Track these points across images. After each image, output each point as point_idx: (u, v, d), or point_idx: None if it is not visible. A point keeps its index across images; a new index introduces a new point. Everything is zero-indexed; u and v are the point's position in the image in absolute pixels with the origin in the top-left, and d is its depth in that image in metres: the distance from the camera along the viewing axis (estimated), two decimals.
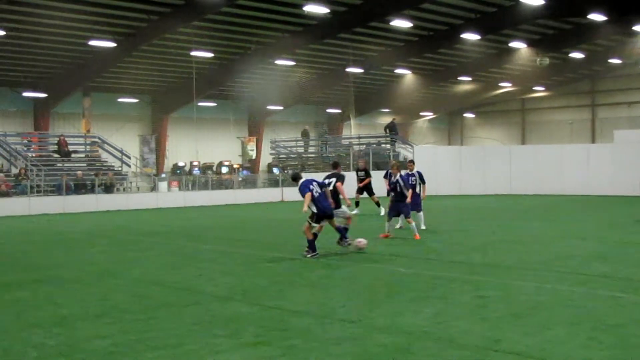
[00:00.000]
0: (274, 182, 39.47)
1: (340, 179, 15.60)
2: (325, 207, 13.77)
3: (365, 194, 24.86)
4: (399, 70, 46.48)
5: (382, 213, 22.37)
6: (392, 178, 16.49)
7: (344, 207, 15.06)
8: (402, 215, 16.79)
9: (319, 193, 13.78)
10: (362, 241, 14.08)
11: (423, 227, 18.13)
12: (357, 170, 25.73)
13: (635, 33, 38.69)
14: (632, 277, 10.94)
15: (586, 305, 8.92)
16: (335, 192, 14.92)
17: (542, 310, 8.54)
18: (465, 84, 52.31)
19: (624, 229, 18.87)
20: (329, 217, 13.96)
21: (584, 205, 29.15)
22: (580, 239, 16.53)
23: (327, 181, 15.03)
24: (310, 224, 13.72)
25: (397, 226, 17.85)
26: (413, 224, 16.19)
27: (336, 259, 13.36)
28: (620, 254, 13.79)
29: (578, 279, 10.87)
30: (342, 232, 14.26)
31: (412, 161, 20.10)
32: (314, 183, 13.95)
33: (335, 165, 16.81)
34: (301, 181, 14.05)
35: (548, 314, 8.33)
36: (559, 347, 6.89)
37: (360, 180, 24.83)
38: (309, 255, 13.50)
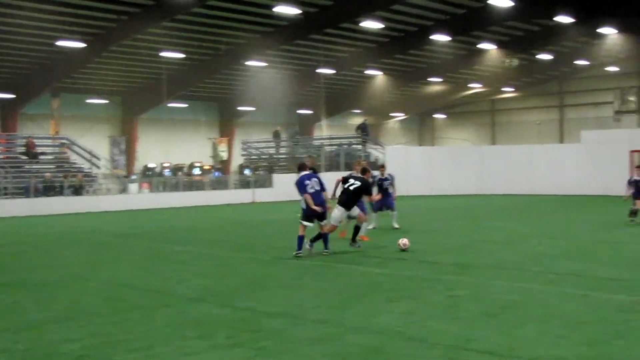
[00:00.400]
0: (245, 183, 39.37)
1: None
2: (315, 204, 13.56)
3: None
4: (369, 71, 46.63)
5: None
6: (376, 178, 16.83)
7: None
8: (376, 215, 17.10)
9: (314, 190, 13.58)
10: (406, 243, 14.14)
11: (396, 227, 18.32)
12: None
13: (600, 35, 39.19)
14: (601, 275, 11.08)
15: (556, 303, 9.01)
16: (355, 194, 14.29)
17: (513, 309, 8.61)
18: (436, 84, 52.61)
19: (592, 228, 19.11)
20: (319, 217, 13.73)
21: (553, 205, 29.45)
22: (550, 238, 16.71)
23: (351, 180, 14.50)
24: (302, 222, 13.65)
25: (370, 227, 17.88)
26: (365, 224, 16.17)
27: (309, 260, 13.35)
28: (589, 253, 13.98)
29: (548, 277, 10.98)
30: (325, 237, 13.80)
31: (383, 165, 20.27)
32: (313, 179, 13.65)
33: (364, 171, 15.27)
34: (301, 174, 13.71)
35: (519, 313, 8.41)
36: (529, 346, 6.95)
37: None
38: (295, 253, 13.49)
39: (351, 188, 14.21)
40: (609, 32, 37.58)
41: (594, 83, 54.05)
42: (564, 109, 57.25)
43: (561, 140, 54.74)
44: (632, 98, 51.98)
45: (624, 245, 15.16)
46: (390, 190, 18.89)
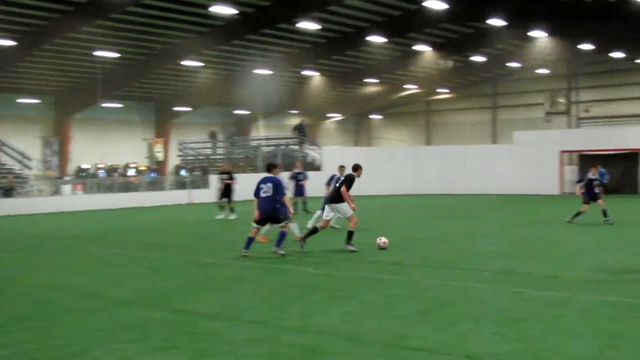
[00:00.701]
0: (181, 184, 38.96)
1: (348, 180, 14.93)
2: (263, 209, 13.55)
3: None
4: (306, 72, 46.72)
5: (233, 217, 23.39)
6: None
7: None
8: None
9: (266, 195, 13.49)
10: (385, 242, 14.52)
11: (337, 226, 18.52)
12: (221, 173, 25.35)
13: (531, 38, 40.13)
14: (533, 272, 11.35)
15: (490, 301, 9.20)
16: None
17: (449, 307, 8.75)
18: (372, 85, 53.02)
19: (525, 227, 19.55)
20: (271, 220, 13.73)
21: (487, 204, 30.02)
22: (484, 236, 17.04)
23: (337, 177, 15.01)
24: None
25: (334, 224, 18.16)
26: (292, 225, 16.30)
27: (246, 261, 13.30)
28: (522, 251, 14.31)
29: (482, 275, 11.19)
30: (281, 238, 13.68)
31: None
32: (268, 183, 13.54)
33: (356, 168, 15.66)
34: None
35: (454, 311, 8.54)
36: (464, 342, 7.08)
37: (224, 183, 24.39)
38: (243, 252, 13.55)
39: (337, 185, 14.81)
40: (539, 35, 38.50)
41: (526, 85, 55.26)
42: (496, 110, 58.37)
43: (494, 141, 55.80)
44: (561, 100, 53.41)
45: (554, 243, 15.56)
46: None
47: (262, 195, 13.55)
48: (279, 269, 12.34)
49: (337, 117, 62.67)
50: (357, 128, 67.76)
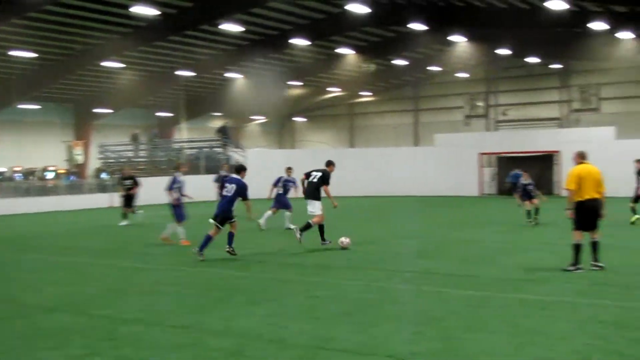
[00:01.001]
0: (102, 188, 38.14)
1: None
2: (218, 207, 13.75)
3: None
4: (230, 74, 46.47)
5: (124, 223, 22.72)
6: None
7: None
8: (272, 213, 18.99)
9: (227, 193, 13.69)
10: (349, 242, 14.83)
11: (292, 227, 18.78)
12: (122, 179, 24.51)
13: (451, 43, 40.98)
14: (453, 272, 11.61)
15: (412, 301, 9.36)
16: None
17: (371, 308, 8.86)
18: (296, 88, 53.14)
19: (446, 227, 19.94)
20: (222, 219, 13.67)
21: (409, 206, 30.48)
22: (406, 238, 17.30)
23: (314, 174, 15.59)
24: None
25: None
26: (179, 228, 16.34)
27: (167, 265, 13.15)
28: (443, 251, 14.60)
29: (404, 276, 11.37)
30: (230, 238, 13.73)
31: (290, 168, 20.65)
32: (232, 185, 13.73)
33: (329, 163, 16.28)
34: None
35: (376, 311, 8.66)
36: (386, 342, 7.19)
37: (126, 189, 23.63)
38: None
39: (314, 180, 15.47)
40: (459, 40, 39.35)
41: (446, 88, 56.33)
42: (418, 113, 59.31)
43: (416, 143, 56.70)
44: (480, 103, 54.70)
45: (474, 243, 15.94)
46: (293, 191, 20.10)
47: (224, 193, 13.75)
48: (201, 272, 12.26)
49: (261, 119, 62.55)
50: (281, 130, 67.79)
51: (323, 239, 15.25)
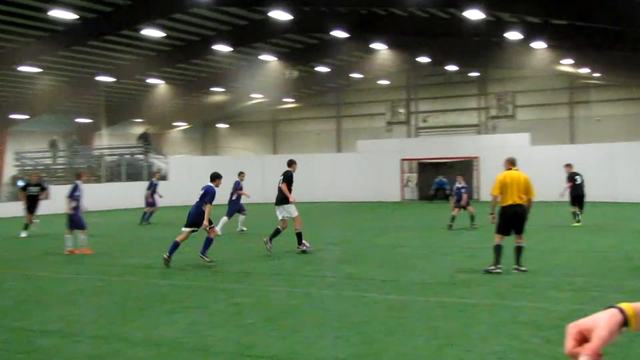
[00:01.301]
0: (18, 196, 36.98)
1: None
2: (190, 212, 14.05)
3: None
4: (151, 80, 45.83)
5: (23, 235, 21.94)
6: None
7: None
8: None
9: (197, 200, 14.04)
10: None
11: (244, 229, 18.73)
12: (28, 186, 23.57)
13: (373, 50, 41.49)
14: (375, 277, 11.74)
15: (334, 306, 9.43)
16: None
17: (294, 314, 8.89)
18: (218, 94, 52.82)
19: (368, 233, 20.15)
20: (194, 224, 13.88)
21: (332, 211, 30.68)
22: (329, 243, 17.40)
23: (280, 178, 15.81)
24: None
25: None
26: (82, 236, 16.15)
27: (86, 274, 12.86)
28: (365, 256, 14.74)
29: (327, 281, 11.44)
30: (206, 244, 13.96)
31: (241, 172, 20.82)
32: (203, 190, 14.23)
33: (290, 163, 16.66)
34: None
35: (299, 317, 8.69)
36: (308, 348, 7.22)
37: (31, 197, 22.72)
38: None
39: (280, 185, 15.78)
40: (380, 47, 39.87)
41: (368, 95, 56.91)
42: (341, 119, 59.75)
43: (339, 150, 57.09)
44: (401, 110, 55.52)
45: (395, 248, 16.16)
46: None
47: (197, 199, 14.12)
48: (122, 281, 12.05)
49: (183, 126, 61.91)
50: (204, 137, 67.22)
51: (300, 243, 15.41)
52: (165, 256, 13.42)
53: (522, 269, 11.77)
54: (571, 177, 21.00)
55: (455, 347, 7.17)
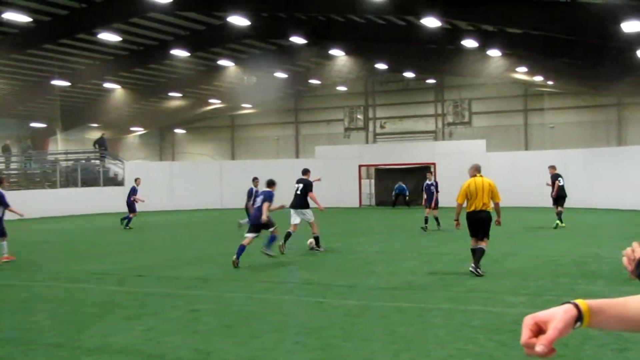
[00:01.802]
0: None
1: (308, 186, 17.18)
2: (255, 216, 14.97)
3: None
4: (108, 85, 45.35)
5: None
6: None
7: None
8: None
9: (257, 205, 14.97)
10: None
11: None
12: None
13: (331, 57, 41.67)
14: (333, 282, 11.79)
15: (292, 311, 9.46)
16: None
17: (252, 320, 8.88)
18: (176, 99, 52.49)
19: (324, 238, 20.17)
20: (260, 227, 14.69)
21: (289, 217, 30.60)
22: (287, 249, 17.38)
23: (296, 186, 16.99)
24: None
25: None
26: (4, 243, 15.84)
27: (41, 281, 12.68)
28: (322, 262, 14.81)
29: (285, 287, 11.47)
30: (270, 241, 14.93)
31: (255, 178, 21.95)
32: (261, 196, 15.04)
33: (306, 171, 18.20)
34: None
35: (257, 323, 8.69)
36: (267, 354, 7.23)
37: None
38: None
39: (298, 192, 16.98)
40: (338, 54, 40.06)
41: (326, 101, 57.09)
42: (299, 125, 59.84)
43: (297, 155, 57.14)
44: (359, 116, 55.84)
45: (353, 253, 16.27)
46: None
47: (257, 205, 14.98)
48: (77, 288, 11.90)
49: (140, 131, 61.37)
50: (161, 142, 66.72)
51: (318, 245, 16.63)
52: (234, 259, 14.00)
53: (479, 271, 12.04)
54: (555, 177, 21.68)
55: (413, 351, 7.24)
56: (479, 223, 12.22)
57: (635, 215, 26.37)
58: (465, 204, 12.35)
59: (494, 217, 12.48)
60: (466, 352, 7.15)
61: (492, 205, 12.36)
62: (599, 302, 1.95)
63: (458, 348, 7.31)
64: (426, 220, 21.06)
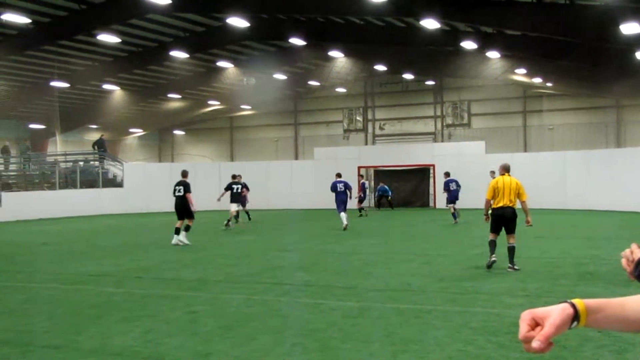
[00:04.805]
0: None
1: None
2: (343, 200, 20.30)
3: None
4: (107, 86, 45.33)
5: None
6: None
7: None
8: None
9: (341, 190, 19.95)
10: None
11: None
12: None
13: (330, 58, 41.68)
14: (331, 284, 11.78)
15: (291, 313, 9.44)
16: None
17: (250, 321, 8.87)
18: (175, 101, 52.47)
19: (323, 240, 20.20)
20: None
21: (289, 219, 30.68)
22: (285, 250, 17.41)
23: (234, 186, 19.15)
24: None
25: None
26: None
27: (39, 282, 12.67)
28: (321, 263, 14.76)
29: (283, 289, 11.45)
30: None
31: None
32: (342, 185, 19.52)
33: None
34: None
35: (256, 325, 8.67)
36: (265, 355, 7.22)
37: None
38: None
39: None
40: (338, 55, 40.07)
41: (326, 103, 57.12)
42: (298, 126, 59.84)
43: (296, 157, 57.13)
44: (358, 118, 55.85)
45: (351, 255, 16.23)
46: None
47: (339, 190, 20.66)
48: (75, 290, 11.88)
49: (140, 132, 61.36)
50: (160, 144, 66.72)
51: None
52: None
53: (516, 268, 12.80)
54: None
55: (411, 353, 7.23)
56: (504, 219, 12.94)
57: (634, 217, 26.38)
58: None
59: (519, 215, 13.17)
60: (465, 354, 7.14)
61: (518, 204, 13.09)
62: (597, 302, 1.95)
63: (457, 349, 7.30)
64: (454, 215, 23.09)
